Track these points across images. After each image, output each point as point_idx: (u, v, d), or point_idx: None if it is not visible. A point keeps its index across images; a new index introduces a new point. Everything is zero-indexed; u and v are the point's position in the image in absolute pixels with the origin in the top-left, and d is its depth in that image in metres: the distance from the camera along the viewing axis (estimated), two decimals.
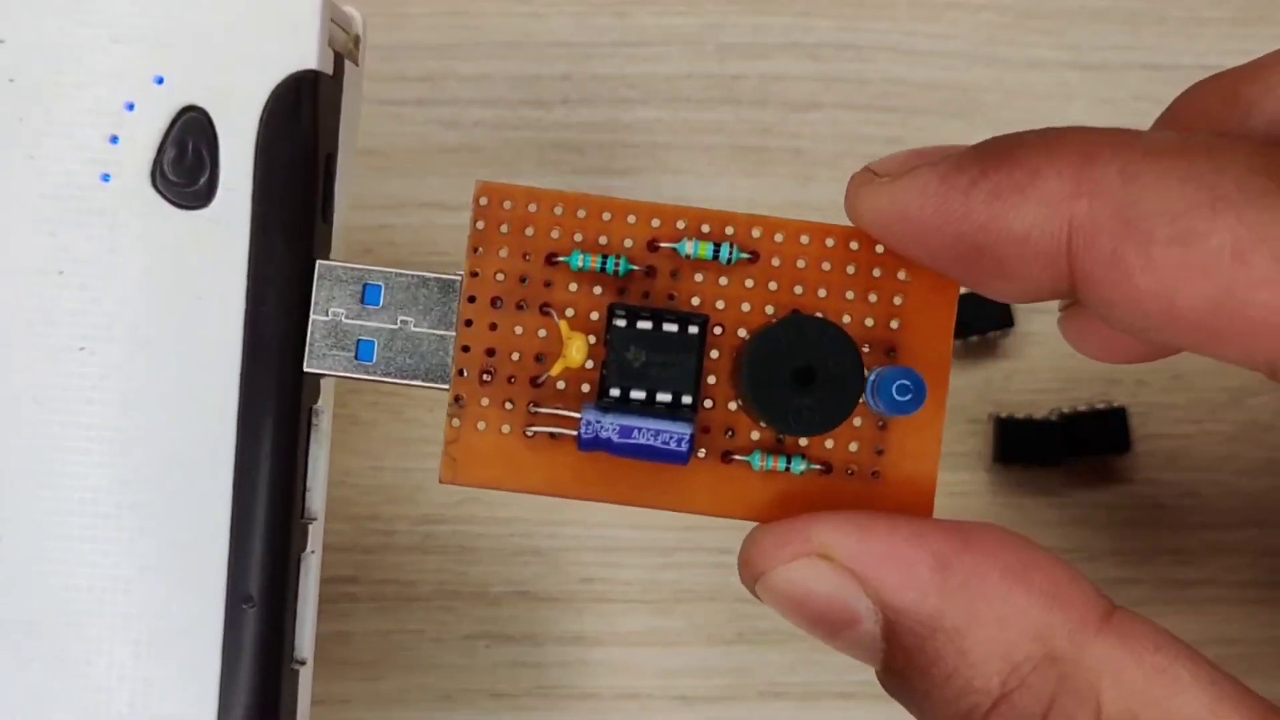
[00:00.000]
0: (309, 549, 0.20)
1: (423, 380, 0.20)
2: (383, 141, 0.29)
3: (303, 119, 0.19)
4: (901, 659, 0.17)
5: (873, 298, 0.19)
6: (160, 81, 0.19)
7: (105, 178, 0.19)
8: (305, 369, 0.20)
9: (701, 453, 0.19)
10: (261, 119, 0.19)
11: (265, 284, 0.19)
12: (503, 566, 0.28)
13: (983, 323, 0.27)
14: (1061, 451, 0.27)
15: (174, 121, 0.19)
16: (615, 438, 0.18)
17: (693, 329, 0.18)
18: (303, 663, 0.20)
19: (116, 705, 0.19)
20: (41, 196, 0.19)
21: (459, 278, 0.19)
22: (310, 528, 0.20)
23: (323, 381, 0.20)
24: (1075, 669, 0.16)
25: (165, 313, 0.19)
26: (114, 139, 0.19)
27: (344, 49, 0.20)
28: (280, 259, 0.19)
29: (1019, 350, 0.28)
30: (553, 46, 0.29)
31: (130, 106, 0.19)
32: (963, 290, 0.27)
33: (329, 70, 0.19)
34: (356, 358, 0.20)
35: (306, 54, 0.19)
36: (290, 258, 0.19)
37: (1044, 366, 0.28)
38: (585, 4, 0.29)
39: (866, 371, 0.18)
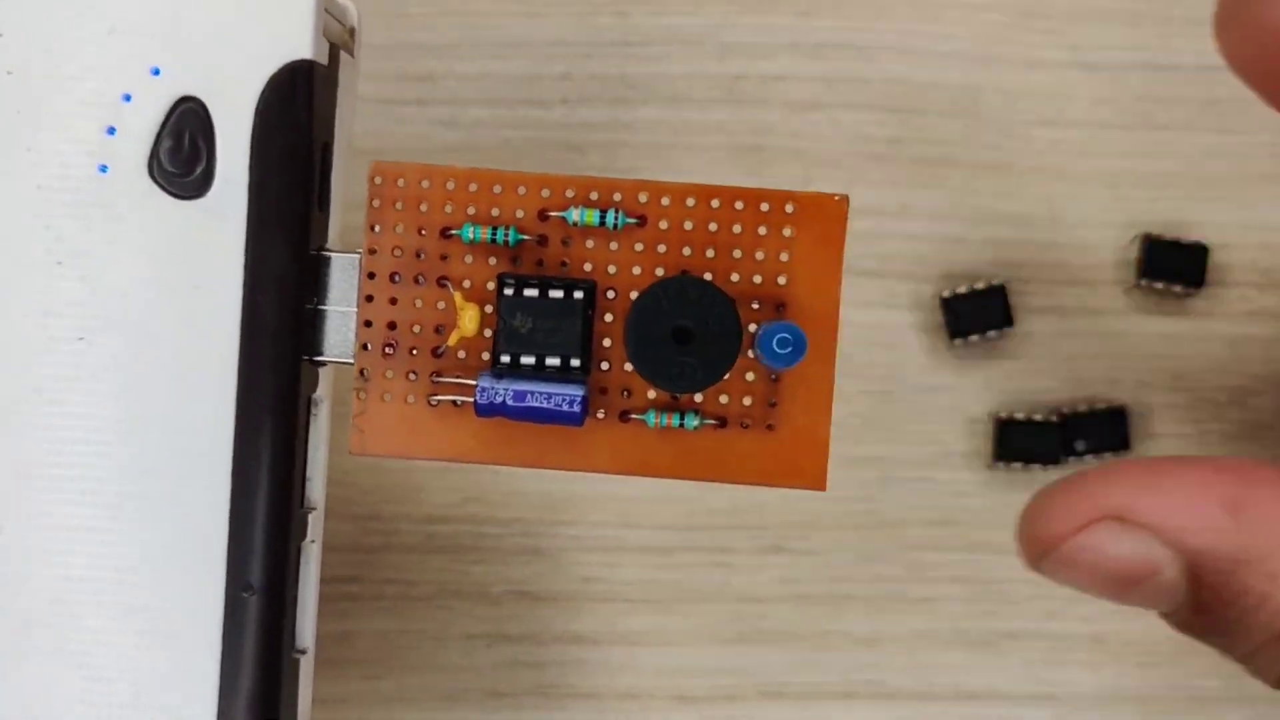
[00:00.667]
0: (309, 538, 0.20)
1: (327, 356, 0.20)
2: (383, 141, 0.29)
3: (298, 109, 0.19)
4: (1207, 596, 0.17)
5: (760, 255, 0.19)
6: (157, 73, 0.19)
7: (102, 169, 0.19)
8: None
9: (600, 414, 0.19)
10: (257, 109, 0.19)
11: (262, 273, 0.19)
12: (503, 566, 0.28)
13: (983, 323, 0.27)
14: (1061, 451, 0.27)
15: (170, 112, 0.19)
16: (510, 402, 0.19)
17: (578, 294, 0.19)
18: (304, 652, 0.20)
19: (118, 695, 0.19)
20: (39, 188, 0.19)
21: (357, 255, 0.20)
22: (310, 517, 0.20)
23: (321, 371, 0.20)
24: None
25: (163, 303, 0.19)
26: (111, 130, 0.19)
27: (339, 40, 0.20)
28: (277, 248, 0.19)
29: (1019, 350, 0.28)
30: (553, 46, 0.29)
31: (127, 98, 0.19)
32: (953, 291, 0.27)
33: (324, 60, 0.20)
34: None
35: (301, 44, 0.19)
36: (287, 247, 0.19)
37: (1045, 366, 0.28)
38: (585, 3, 0.29)
39: (752, 326, 0.19)
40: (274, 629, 0.19)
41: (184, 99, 0.19)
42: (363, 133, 0.29)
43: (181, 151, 0.19)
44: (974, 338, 0.27)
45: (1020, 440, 0.27)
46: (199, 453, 0.19)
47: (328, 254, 0.20)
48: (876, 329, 0.28)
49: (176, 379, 0.19)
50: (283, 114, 0.19)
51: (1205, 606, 0.17)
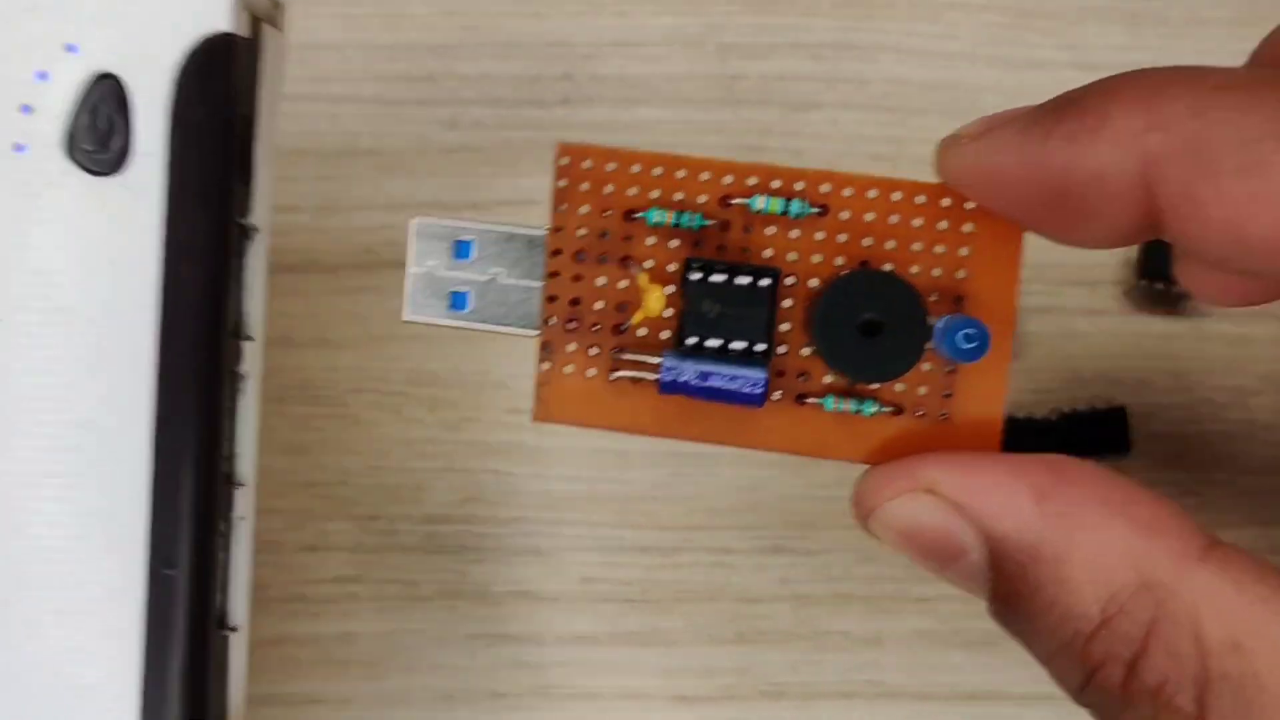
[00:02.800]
0: (239, 514, 0.20)
1: (514, 326, 0.21)
2: (383, 141, 0.29)
3: (216, 82, 0.19)
4: (1005, 587, 0.17)
5: (939, 249, 0.20)
6: (72, 49, 0.19)
7: (19, 148, 0.19)
8: (405, 318, 0.20)
9: (777, 395, 0.20)
10: (176, 82, 0.19)
11: (181, 246, 0.19)
12: (504, 566, 0.28)
13: None
14: (1061, 451, 0.27)
15: (87, 89, 0.19)
16: (694, 381, 0.19)
17: (764, 282, 0.19)
18: (234, 629, 0.20)
19: (39, 674, 0.19)
20: None
21: (544, 232, 0.20)
22: (238, 493, 0.20)
23: (246, 345, 0.20)
24: (1174, 597, 0.16)
25: (83, 280, 0.19)
26: (26, 109, 0.19)
27: (264, 13, 0.20)
28: (196, 221, 0.19)
29: (1019, 350, 0.28)
30: (553, 46, 0.29)
31: (43, 76, 0.19)
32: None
33: (244, 32, 0.20)
34: (450, 307, 0.21)
35: (218, 17, 0.19)
36: (206, 220, 0.19)
37: (1044, 366, 0.28)
38: (586, 4, 0.29)
39: (934, 319, 0.19)
40: (198, 606, 0.19)
41: (101, 76, 0.19)
42: (363, 133, 0.29)
43: (98, 128, 0.19)
44: None
45: (1020, 440, 0.27)
46: (119, 429, 0.19)
47: (253, 226, 0.20)
48: None
49: (97, 355, 0.19)
50: (200, 87, 0.19)
51: (1004, 598, 0.18)
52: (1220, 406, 0.28)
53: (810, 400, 0.20)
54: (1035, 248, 0.28)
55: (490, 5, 0.29)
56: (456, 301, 0.21)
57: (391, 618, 0.28)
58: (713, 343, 0.20)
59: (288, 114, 0.29)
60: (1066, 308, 0.28)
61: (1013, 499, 0.17)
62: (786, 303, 0.20)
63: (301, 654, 0.28)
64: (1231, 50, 0.29)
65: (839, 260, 0.20)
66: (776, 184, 0.20)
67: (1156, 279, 0.27)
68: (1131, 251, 0.28)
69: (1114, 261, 0.28)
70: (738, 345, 0.19)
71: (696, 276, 0.19)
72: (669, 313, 0.20)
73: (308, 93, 0.29)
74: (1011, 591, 0.17)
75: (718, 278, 0.19)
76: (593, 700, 0.28)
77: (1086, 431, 0.27)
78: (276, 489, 0.28)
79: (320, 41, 0.29)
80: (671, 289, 0.20)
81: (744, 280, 0.19)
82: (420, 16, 0.29)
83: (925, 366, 0.20)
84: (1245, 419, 0.28)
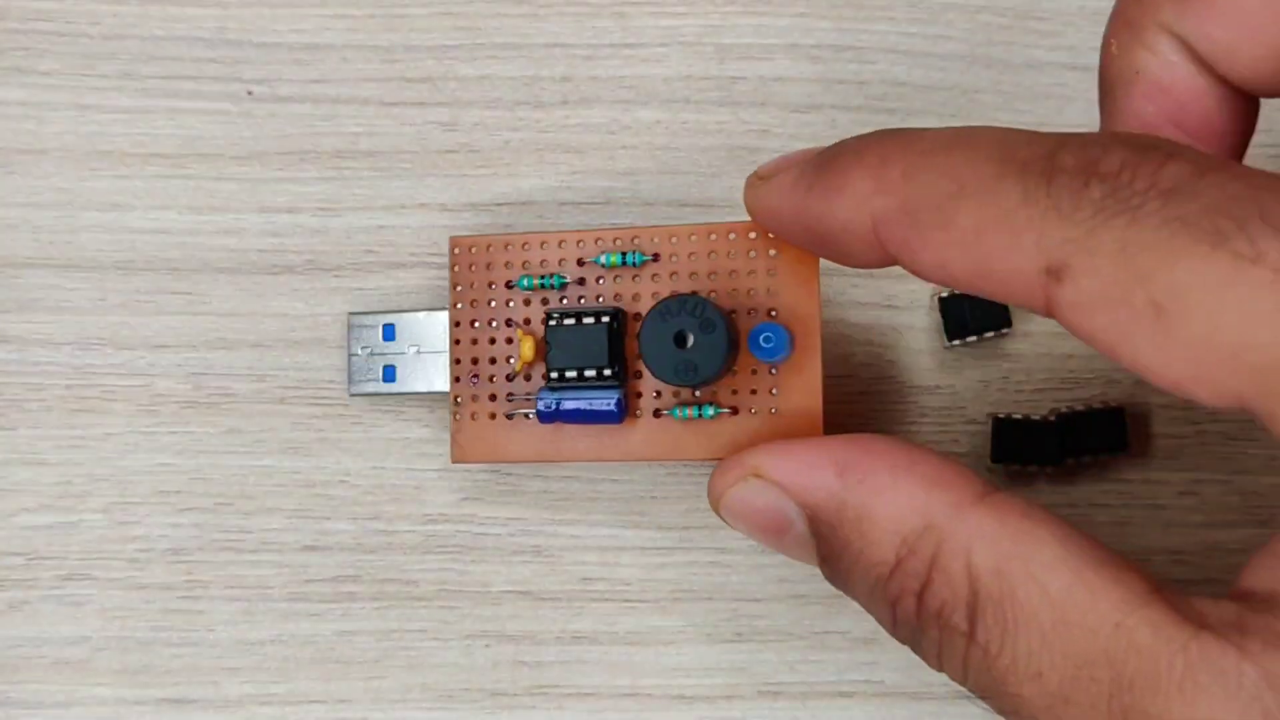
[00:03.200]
0: None
1: (430, 388, 0.27)
2: (383, 142, 0.29)
3: None
4: (825, 550, 0.21)
5: (751, 272, 0.24)
6: None
7: None
8: (350, 394, 0.27)
9: (638, 414, 0.25)
10: None
11: None
12: (503, 566, 0.28)
13: (981, 323, 0.27)
14: (1060, 451, 0.27)
15: None
16: (562, 408, 0.24)
17: (605, 318, 0.24)
18: None
19: None
20: None
21: (446, 311, 0.26)
22: None
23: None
24: (951, 535, 0.19)
25: None
26: None
27: None
28: None
29: (1017, 350, 0.28)
30: (552, 48, 0.29)
31: None
32: (951, 292, 0.28)
33: None
34: (384, 379, 0.27)
35: None
36: None
37: (1042, 366, 0.28)
38: (584, 5, 0.29)
39: (745, 328, 0.24)
40: None
41: None
42: (363, 134, 0.29)
43: None
44: (973, 338, 0.27)
45: (1018, 441, 0.27)
46: None
47: None
48: (874, 330, 0.28)
49: None
50: None
51: (826, 559, 0.21)
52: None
53: (663, 413, 0.24)
54: None
55: (489, 6, 0.29)
56: (388, 374, 0.27)
57: (391, 617, 0.28)
58: (570, 373, 0.24)
59: (288, 115, 0.29)
60: None
61: (820, 473, 0.20)
62: (636, 336, 0.24)
63: (301, 654, 0.28)
64: None
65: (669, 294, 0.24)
66: (616, 242, 0.25)
67: None
68: None
69: None
70: (590, 372, 0.24)
71: (554, 323, 0.24)
72: (541, 362, 0.25)
73: (308, 93, 0.29)
74: (830, 553, 0.20)
75: (569, 321, 0.24)
76: (592, 700, 0.28)
77: (1085, 431, 0.27)
78: (276, 489, 0.28)
79: (320, 42, 0.29)
80: (541, 336, 0.25)
81: (589, 320, 0.24)
82: (419, 18, 0.29)
83: (753, 372, 0.24)
84: (1244, 419, 0.28)
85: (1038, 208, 0.17)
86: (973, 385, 0.28)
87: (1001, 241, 0.18)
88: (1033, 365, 0.28)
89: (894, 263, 0.20)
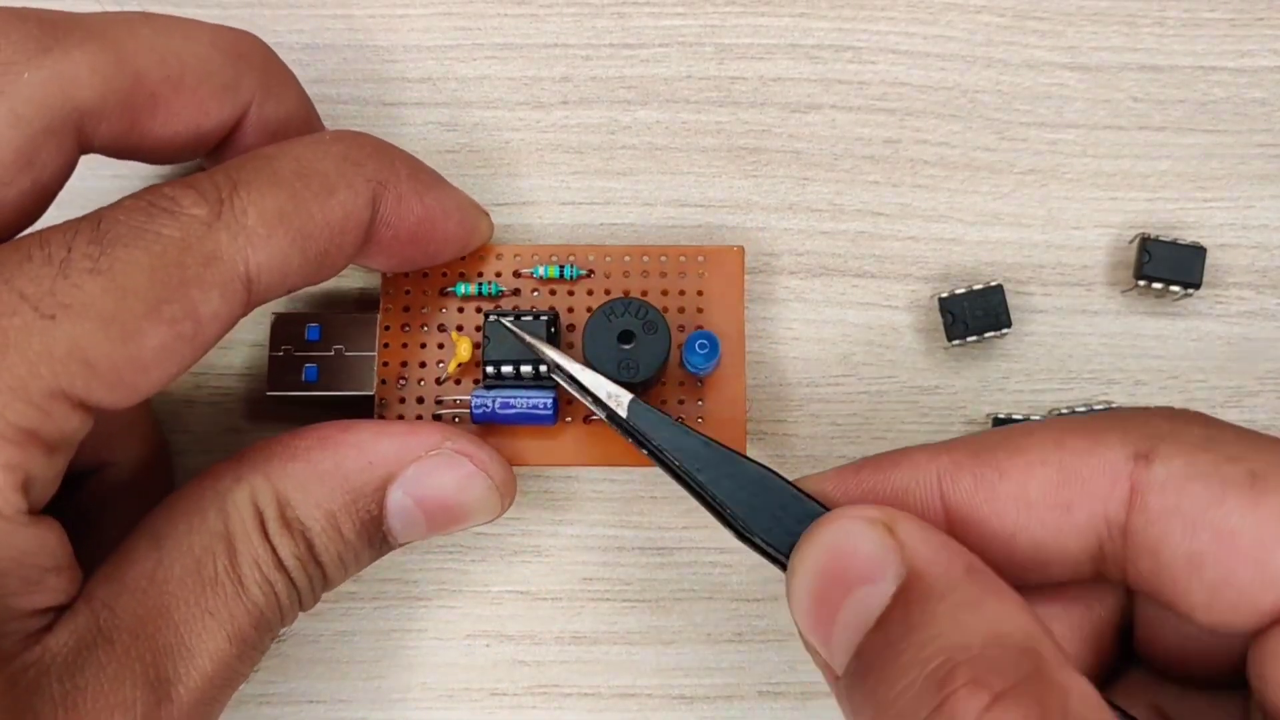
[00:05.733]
0: None
1: (355, 390, 0.26)
2: None
3: None
4: (901, 614, 0.20)
5: (682, 290, 0.26)
6: None
7: None
8: (267, 394, 0.26)
9: (569, 419, 0.25)
10: None
11: None
12: (503, 566, 0.28)
13: (981, 323, 0.27)
14: None
15: None
16: (498, 409, 0.25)
17: (543, 318, 0.25)
18: None
19: None
20: None
21: (377, 315, 0.26)
22: None
23: None
24: (1059, 667, 0.18)
25: None
26: None
27: None
28: None
29: (1017, 351, 0.28)
30: (552, 48, 0.29)
31: None
32: (951, 292, 0.28)
33: None
34: (304, 379, 0.26)
35: None
36: None
37: (1042, 367, 0.28)
38: (584, 6, 0.29)
39: (679, 336, 0.25)
40: None
41: None
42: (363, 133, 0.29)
43: None
44: (971, 338, 0.27)
45: None
46: None
47: None
48: (874, 330, 0.28)
49: None
50: None
51: (894, 623, 0.20)
52: (1218, 406, 0.28)
53: (594, 418, 0.25)
54: (1034, 248, 0.28)
55: (489, 6, 0.29)
56: (309, 374, 0.26)
57: (391, 617, 0.28)
58: (507, 369, 0.25)
59: None
60: (1062, 308, 0.28)
61: (951, 553, 0.20)
62: (569, 342, 0.25)
63: (301, 654, 0.28)
64: (1228, 50, 0.29)
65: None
66: (554, 258, 0.26)
67: (1153, 280, 0.27)
68: (1129, 253, 0.28)
69: (1110, 263, 0.28)
70: (527, 368, 0.24)
71: (493, 319, 0.25)
72: (479, 364, 0.25)
73: (308, 93, 0.29)
74: (906, 619, 0.20)
75: (507, 319, 0.25)
76: (592, 699, 0.28)
77: None
78: None
79: (320, 42, 0.29)
80: (478, 338, 0.25)
81: (528, 318, 0.25)
82: (419, 18, 0.29)
83: (682, 383, 0.25)
84: (1243, 419, 0.28)
85: None
86: (972, 385, 0.28)
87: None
88: (1033, 365, 0.28)
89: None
